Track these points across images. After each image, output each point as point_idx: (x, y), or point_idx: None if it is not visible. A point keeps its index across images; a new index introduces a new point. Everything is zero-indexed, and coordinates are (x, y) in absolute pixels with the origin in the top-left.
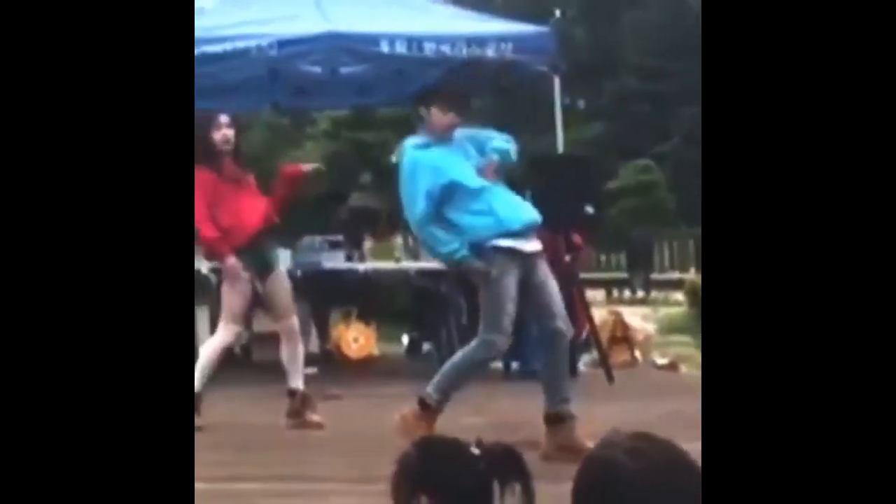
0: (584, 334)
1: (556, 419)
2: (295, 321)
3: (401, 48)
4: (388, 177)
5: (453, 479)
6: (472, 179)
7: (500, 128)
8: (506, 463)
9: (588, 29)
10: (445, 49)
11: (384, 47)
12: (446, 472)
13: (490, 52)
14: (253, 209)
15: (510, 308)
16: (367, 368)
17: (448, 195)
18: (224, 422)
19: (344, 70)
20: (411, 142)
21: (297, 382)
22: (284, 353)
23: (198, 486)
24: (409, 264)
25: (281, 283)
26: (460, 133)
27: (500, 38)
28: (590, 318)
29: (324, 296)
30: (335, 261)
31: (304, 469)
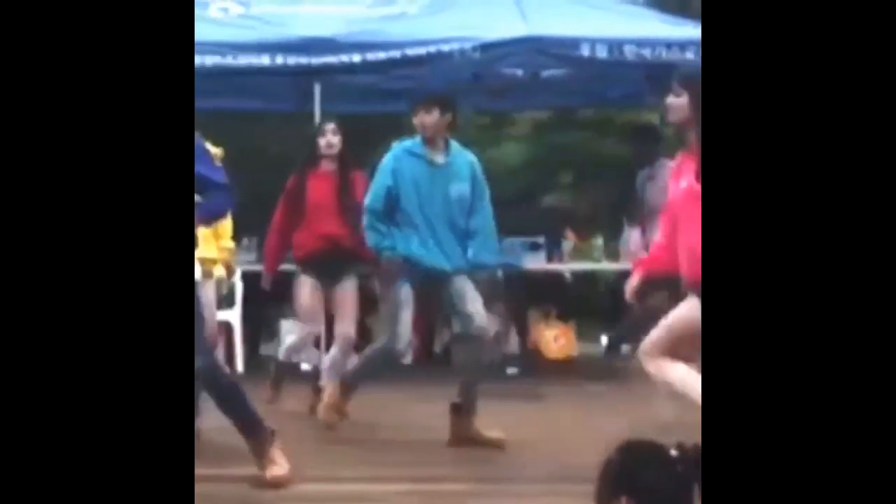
0: None
1: (457, 409)
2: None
3: (601, 52)
4: (588, 178)
5: (653, 481)
6: (419, 211)
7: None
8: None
9: None
10: (646, 53)
11: (584, 51)
12: (646, 475)
13: (690, 56)
14: (326, 225)
15: (406, 316)
16: (566, 368)
17: (396, 204)
18: (423, 424)
19: (545, 73)
20: (405, 143)
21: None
22: (331, 357)
23: (398, 486)
24: (608, 265)
25: (345, 296)
26: (460, 152)
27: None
28: None
29: (524, 296)
30: (536, 261)
31: (505, 470)
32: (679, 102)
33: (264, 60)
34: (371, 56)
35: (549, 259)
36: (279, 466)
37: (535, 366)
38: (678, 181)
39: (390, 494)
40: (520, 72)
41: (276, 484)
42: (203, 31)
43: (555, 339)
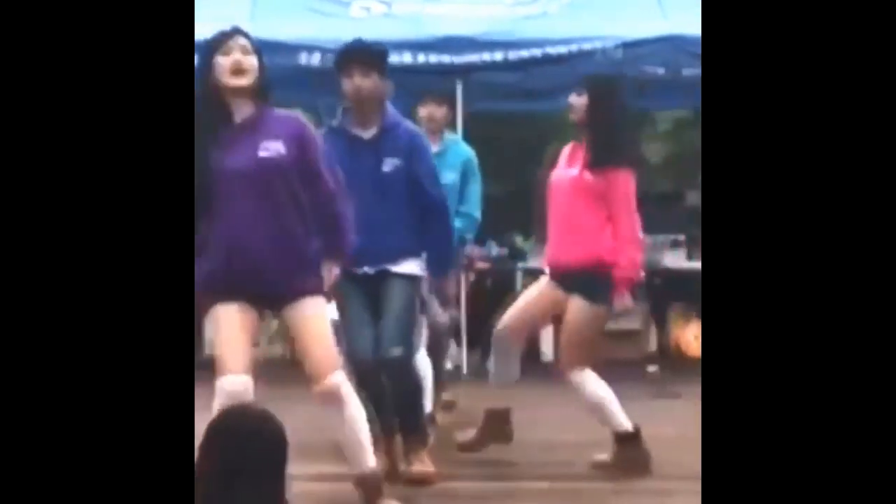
0: None
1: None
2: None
3: None
4: None
5: None
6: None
7: None
8: None
9: None
10: None
11: None
12: None
13: None
14: None
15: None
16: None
17: None
18: (560, 423)
19: (686, 71)
20: None
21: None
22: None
23: (537, 485)
24: None
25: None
26: (456, 143)
27: None
28: None
29: (664, 294)
30: (676, 259)
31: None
32: (580, 102)
33: (406, 59)
34: (512, 54)
35: (690, 257)
36: (425, 465)
37: (674, 364)
38: (568, 168)
39: (530, 492)
40: (661, 70)
41: (423, 480)
42: (345, 30)
43: (695, 337)
